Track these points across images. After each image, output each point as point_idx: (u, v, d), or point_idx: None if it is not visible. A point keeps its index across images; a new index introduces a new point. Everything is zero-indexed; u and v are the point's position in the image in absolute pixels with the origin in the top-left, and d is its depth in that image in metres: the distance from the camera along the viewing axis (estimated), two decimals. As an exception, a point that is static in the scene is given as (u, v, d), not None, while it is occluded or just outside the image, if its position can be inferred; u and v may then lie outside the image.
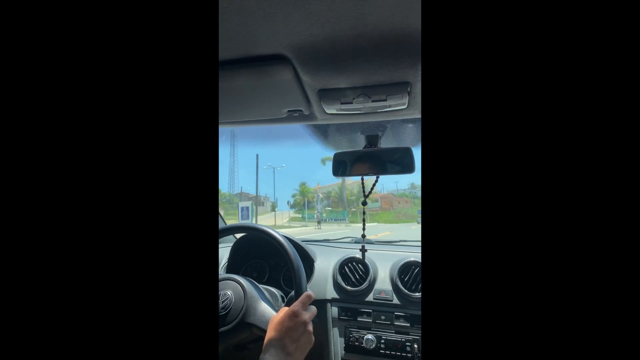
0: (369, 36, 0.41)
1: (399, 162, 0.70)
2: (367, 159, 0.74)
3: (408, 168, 0.69)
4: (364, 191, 0.75)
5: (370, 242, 1.10)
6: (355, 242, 1.15)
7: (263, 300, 0.69)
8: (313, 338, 0.59)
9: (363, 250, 0.86)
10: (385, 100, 0.53)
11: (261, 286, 0.76)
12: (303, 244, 1.00)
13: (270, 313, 0.66)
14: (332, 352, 0.83)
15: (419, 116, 0.63)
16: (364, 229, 0.85)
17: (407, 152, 0.70)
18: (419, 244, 1.07)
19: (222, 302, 0.68)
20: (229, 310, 0.66)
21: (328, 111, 0.59)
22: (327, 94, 0.54)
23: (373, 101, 0.54)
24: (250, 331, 0.66)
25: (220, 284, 0.72)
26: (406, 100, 0.54)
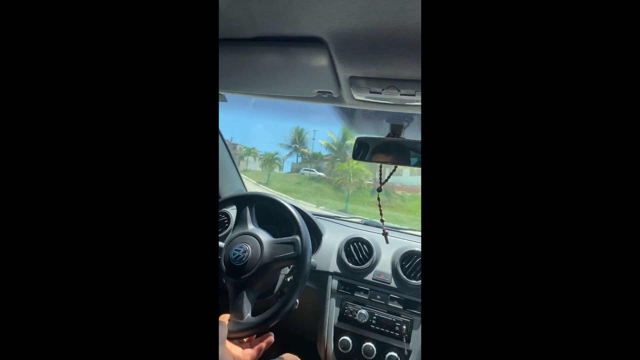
0: (407, 32, 0.41)
1: (418, 155, 0.71)
2: (388, 147, 0.75)
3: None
4: (380, 179, 0.78)
5: (378, 226, 1.13)
6: (365, 224, 1.19)
7: (255, 291, 0.76)
8: None
9: (385, 234, 0.89)
10: (414, 95, 0.54)
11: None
12: (314, 217, 1.05)
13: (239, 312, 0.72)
14: (327, 319, 0.90)
15: None
16: (381, 214, 0.89)
17: (429, 147, 0.70)
18: None
19: (243, 253, 0.74)
20: (245, 263, 0.73)
21: (357, 97, 0.60)
22: (358, 82, 0.55)
23: (402, 94, 0.55)
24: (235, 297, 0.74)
25: (243, 237, 0.78)
26: None
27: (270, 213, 1.05)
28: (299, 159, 23.79)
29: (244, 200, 0.86)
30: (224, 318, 0.67)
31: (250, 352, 0.64)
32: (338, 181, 18.78)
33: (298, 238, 0.77)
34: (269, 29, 0.46)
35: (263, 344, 0.66)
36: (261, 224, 0.93)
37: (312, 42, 0.47)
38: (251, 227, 0.82)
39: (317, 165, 22.57)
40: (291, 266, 0.88)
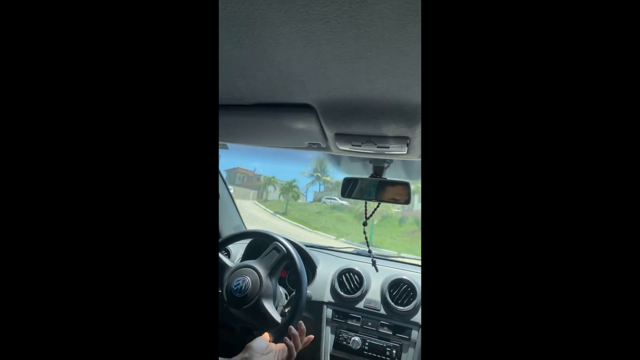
0: (378, 101, 0.53)
1: (397, 194, 0.82)
2: (371, 186, 0.86)
3: (405, 200, 0.81)
4: (365, 214, 0.88)
5: (368, 255, 1.21)
6: (357, 254, 1.27)
7: (272, 298, 0.83)
8: None
9: (374, 265, 0.96)
10: (388, 148, 0.66)
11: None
12: (307, 249, 1.13)
13: (270, 317, 0.80)
14: (323, 348, 0.96)
15: (417, 159, 0.75)
16: (368, 245, 0.97)
17: (405, 186, 0.81)
18: (414, 261, 1.18)
19: (242, 282, 0.83)
20: (245, 294, 0.81)
21: (341, 148, 0.72)
22: (341, 137, 0.67)
23: (378, 147, 0.66)
24: (257, 318, 0.81)
25: (243, 270, 0.86)
26: (405, 149, 0.66)
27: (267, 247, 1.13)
28: (322, 188, 22.84)
29: (242, 238, 0.95)
30: (265, 336, 0.73)
31: (283, 345, 0.70)
32: (360, 209, 17.18)
33: (276, 243, 0.87)
34: (267, 98, 0.58)
35: (296, 332, 0.71)
36: (258, 257, 1.01)
37: (303, 108, 0.59)
38: (232, 265, 0.90)
39: (339, 194, 22.13)
40: (288, 297, 0.95)
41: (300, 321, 0.74)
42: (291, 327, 0.72)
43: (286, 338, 0.72)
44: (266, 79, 0.51)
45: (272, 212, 17.32)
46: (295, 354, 0.69)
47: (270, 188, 22.55)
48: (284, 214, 17.60)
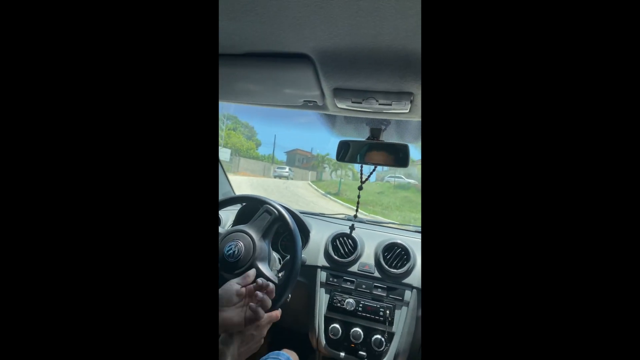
0: (382, 51, 0.48)
1: (395, 156, 0.79)
2: (368, 149, 0.82)
3: (403, 162, 0.78)
4: (361, 178, 0.85)
5: (361, 221, 1.21)
6: (348, 219, 1.26)
7: (266, 261, 0.82)
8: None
9: (352, 228, 0.99)
10: (390, 105, 0.61)
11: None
12: (301, 216, 1.11)
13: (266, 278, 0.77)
14: (317, 309, 0.97)
15: (418, 119, 0.71)
16: (357, 209, 0.96)
17: (404, 148, 0.78)
18: (404, 227, 1.19)
19: (235, 249, 0.80)
20: (239, 259, 0.79)
21: (339, 106, 0.67)
22: (341, 93, 0.61)
23: (380, 104, 0.62)
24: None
25: (235, 234, 0.83)
26: (408, 106, 0.62)
27: (249, 214, 1.10)
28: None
29: (235, 202, 0.91)
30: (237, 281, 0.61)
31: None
32: (429, 186, 15.23)
33: (267, 205, 0.84)
34: (259, 46, 0.52)
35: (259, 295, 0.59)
36: None
37: (299, 58, 0.53)
38: (222, 230, 0.88)
39: (407, 172, 17.90)
40: (282, 262, 0.94)
41: (259, 279, 0.61)
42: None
43: (251, 304, 0.58)
44: (258, 22, 0.44)
45: (323, 192, 15.08)
46: (261, 312, 0.56)
47: (326, 168, 21.00)
48: (336, 194, 15.12)
